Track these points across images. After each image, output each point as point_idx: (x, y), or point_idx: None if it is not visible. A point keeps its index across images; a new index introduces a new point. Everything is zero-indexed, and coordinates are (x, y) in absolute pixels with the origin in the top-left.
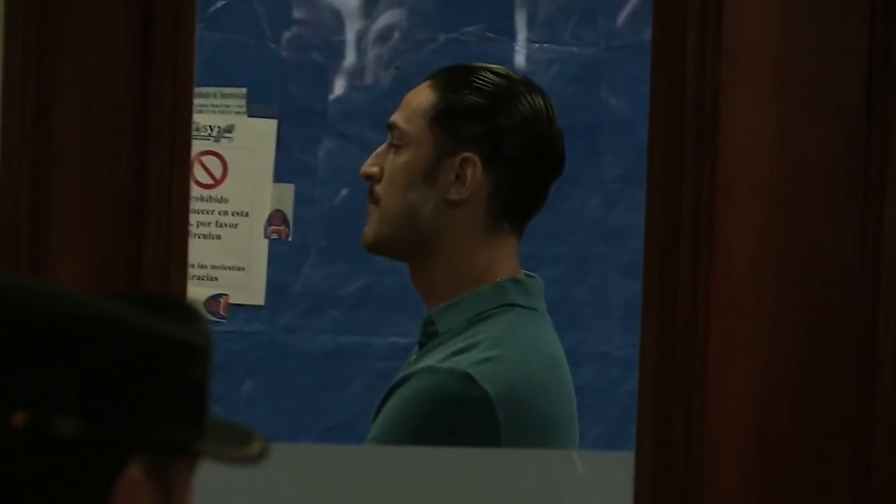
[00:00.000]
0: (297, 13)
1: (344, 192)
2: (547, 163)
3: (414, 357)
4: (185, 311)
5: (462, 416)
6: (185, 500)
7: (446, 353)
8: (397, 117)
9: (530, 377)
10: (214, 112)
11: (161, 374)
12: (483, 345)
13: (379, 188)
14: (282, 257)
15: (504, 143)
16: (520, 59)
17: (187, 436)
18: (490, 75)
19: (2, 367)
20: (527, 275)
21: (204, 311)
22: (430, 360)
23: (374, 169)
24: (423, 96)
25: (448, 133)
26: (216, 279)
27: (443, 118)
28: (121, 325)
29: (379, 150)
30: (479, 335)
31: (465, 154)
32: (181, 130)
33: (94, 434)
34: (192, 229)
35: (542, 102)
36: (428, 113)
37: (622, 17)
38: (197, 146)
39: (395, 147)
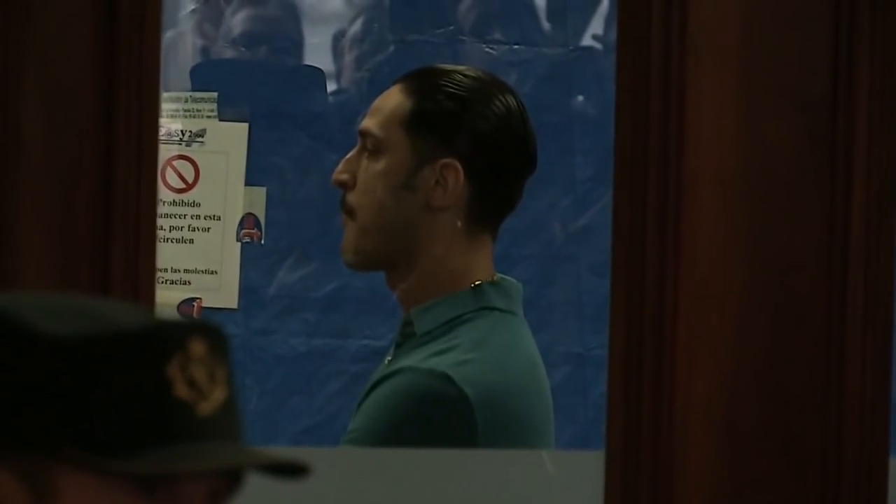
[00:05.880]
0: (268, 16)
1: (316, 194)
2: (523, 163)
3: (389, 358)
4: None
5: (441, 417)
6: None
7: (425, 354)
8: (370, 123)
9: (509, 380)
10: (186, 117)
11: (20, 375)
12: (462, 347)
13: (352, 197)
14: (254, 260)
15: (483, 146)
16: (489, 61)
17: (53, 437)
18: (462, 77)
19: None
20: (503, 278)
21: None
22: (409, 360)
23: (346, 176)
24: (396, 101)
25: (426, 138)
26: (189, 283)
27: (420, 123)
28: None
29: (349, 156)
30: (458, 338)
31: (446, 160)
32: (148, 133)
33: None
34: (165, 234)
35: (515, 102)
36: (404, 118)
37: (592, 18)
38: (169, 151)
39: (369, 153)
